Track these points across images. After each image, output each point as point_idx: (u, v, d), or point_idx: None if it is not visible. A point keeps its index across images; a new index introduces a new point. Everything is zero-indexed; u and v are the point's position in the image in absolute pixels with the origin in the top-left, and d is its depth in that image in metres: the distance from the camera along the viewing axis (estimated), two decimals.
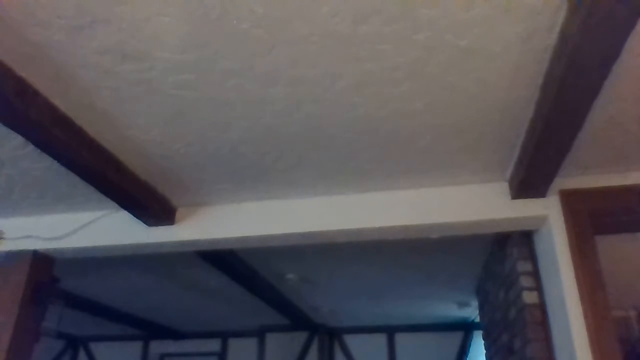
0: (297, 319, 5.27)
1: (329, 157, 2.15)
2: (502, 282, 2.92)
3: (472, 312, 4.90)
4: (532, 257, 2.49)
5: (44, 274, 2.75)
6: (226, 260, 3.31)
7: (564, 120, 1.67)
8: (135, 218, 2.53)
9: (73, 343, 6.55)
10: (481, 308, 3.98)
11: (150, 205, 2.44)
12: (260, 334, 5.85)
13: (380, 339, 5.79)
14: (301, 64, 1.59)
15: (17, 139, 2.00)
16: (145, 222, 2.58)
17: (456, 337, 5.57)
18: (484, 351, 3.75)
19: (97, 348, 6.54)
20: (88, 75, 1.66)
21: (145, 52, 1.55)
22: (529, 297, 2.43)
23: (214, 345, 6.25)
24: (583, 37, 1.30)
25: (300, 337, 5.86)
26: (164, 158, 2.17)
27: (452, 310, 5.00)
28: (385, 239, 2.55)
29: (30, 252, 2.68)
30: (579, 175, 2.22)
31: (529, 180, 2.10)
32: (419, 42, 1.49)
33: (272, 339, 5.86)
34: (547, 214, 2.22)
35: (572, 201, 2.20)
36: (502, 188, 2.31)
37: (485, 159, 2.17)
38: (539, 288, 2.42)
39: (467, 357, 5.49)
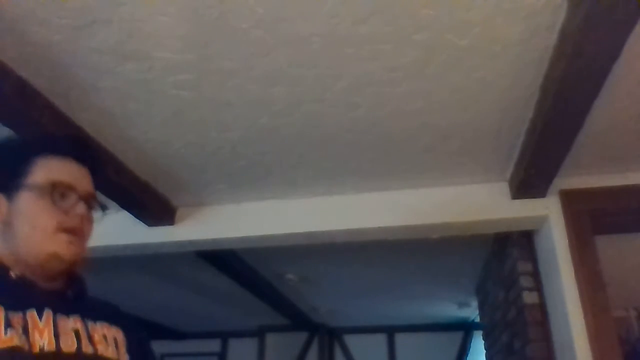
0: (297, 319, 5.26)
1: (329, 157, 2.15)
2: (502, 282, 2.92)
3: (472, 312, 4.90)
4: (532, 257, 2.49)
5: None
6: (226, 260, 3.31)
7: (564, 120, 1.67)
8: (135, 218, 2.53)
9: None
10: (481, 308, 3.98)
11: (150, 205, 2.44)
12: (260, 334, 5.85)
13: (380, 339, 5.79)
14: (301, 64, 1.59)
15: None
16: (145, 222, 2.58)
17: (456, 337, 5.57)
18: (484, 351, 3.75)
19: None
20: (88, 75, 1.65)
21: (145, 52, 1.54)
22: (529, 297, 2.43)
23: (214, 345, 6.25)
24: (583, 37, 1.30)
25: (300, 337, 5.86)
26: (164, 158, 2.17)
27: (452, 310, 5.00)
28: (385, 239, 2.55)
29: None
30: (579, 175, 2.22)
31: (529, 180, 2.10)
32: (419, 42, 1.49)
33: (272, 339, 5.85)
34: (547, 214, 2.22)
35: (572, 201, 2.20)
36: (502, 188, 2.31)
37: (485, 159, 2.17)
38: (539, 288, 2.42)
39: (467, 357, 5.49)
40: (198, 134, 1.99)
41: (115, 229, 2.62)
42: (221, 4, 1.36)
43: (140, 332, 1.15)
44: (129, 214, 2.49)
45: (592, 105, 1.58)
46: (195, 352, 6.19)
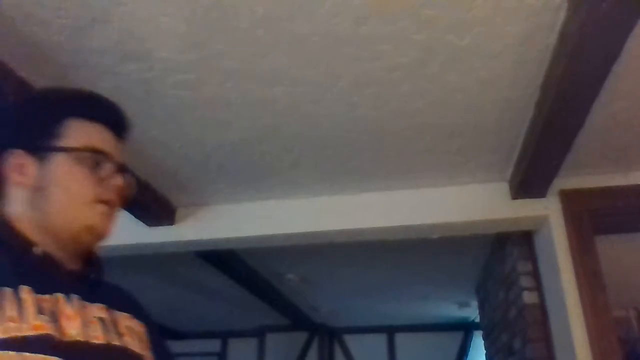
0: (297, 319, 5.27)
1: (329, 157, 2.15)
2: (502, 282, 2.92)
3: (472, 312, 4.90)
4: (532, 257, 2.50)
5: None
6: (226, 260, 3.32)
7: (564, 120, 1.67)
8: (135, 218, 2.52)
9: None
10: (481, 308, 3.98)
11: (150, 205, 2.44)
12: (260, 334, 5.85)
13: (380, 339, 5.79)
14: (301, 64, 1.59)
15: None
16: (145, 222, 2.57)
17: (456, 337, 5.57)
18: (484, 351, 3.75)
19: None
20: (88, 75, 1.65)
21: (145, 52, 1.54)
22: (529, 297, 2.43)
23: (214, 345, 6.25)
24: (583, 37, 1.30)
25: (300, 337, 5.86)
26: (164, 158, 2.17)
27: (452, 310, 5.00)
28: (385, 239, 2.55)
29: None
30: (579, 175, 2.22)
31: (529, 180, 2.10)
32: (419, 42, 1.49)
33: (272, 339, 5.85)
34: (547, 214, 2.22)
35: (572, 201, 2.20)
36: (502, 188, 2.31)
37: (485, 159, 2.17)
38: (539, 288, 2.42)
39: (467, 357, 5.49)
40: (198, 134, 1.99)
41: (115, 229, 2.61)
42: (221, 4, 1.37)
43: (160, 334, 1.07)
44: (129, 214, 2.49)
45: (592, 105, 1.58)
46: (195, 352, 6.19)
